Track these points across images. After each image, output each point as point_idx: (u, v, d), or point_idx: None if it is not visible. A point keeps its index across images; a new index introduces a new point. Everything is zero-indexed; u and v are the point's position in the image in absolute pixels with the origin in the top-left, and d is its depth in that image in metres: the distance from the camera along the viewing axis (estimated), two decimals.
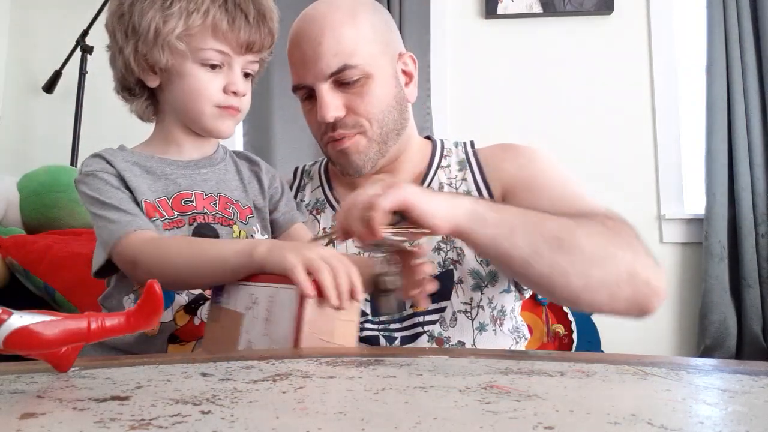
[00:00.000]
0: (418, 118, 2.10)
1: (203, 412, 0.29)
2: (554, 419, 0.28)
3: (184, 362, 0.44)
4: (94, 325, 0.39)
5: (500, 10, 2.22)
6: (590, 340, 1.91)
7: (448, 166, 0.97)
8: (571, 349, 1.89)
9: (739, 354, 1.97)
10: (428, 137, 1.02)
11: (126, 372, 0.40)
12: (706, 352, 1.97)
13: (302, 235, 0.91)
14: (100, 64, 1.90)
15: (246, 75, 0.85)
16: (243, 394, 0.33)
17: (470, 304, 0.89)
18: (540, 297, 1.92)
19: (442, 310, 0.89)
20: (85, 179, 0.80)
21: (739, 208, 2.02)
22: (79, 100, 2.03)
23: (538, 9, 2.21)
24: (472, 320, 0.90)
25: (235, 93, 0.82)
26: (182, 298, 0.82)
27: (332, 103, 0.88)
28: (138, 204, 0.79)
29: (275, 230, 0.91)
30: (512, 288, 0.93)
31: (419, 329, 0.89)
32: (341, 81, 0.88)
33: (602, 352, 1.92)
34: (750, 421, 0.29)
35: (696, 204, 2.12)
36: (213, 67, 0.81)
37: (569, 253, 0.73)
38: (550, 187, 0.90)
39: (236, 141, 2.21)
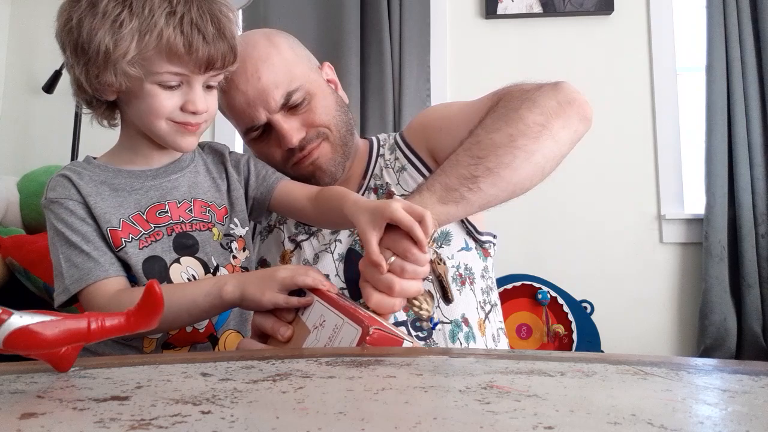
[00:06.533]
0: None
1: (203, 412, 0.29)
2: (554, 419, 0.28)
3: (184, 362, 0.44)
4: (94, 325, 0.39)
5: (500, 10, 2.22)
6: (590, 340, 1.91)
7: (383, 154, 1.04)
8: (571, 349, 1.89)
9: (739, 354, 1.97)
10: (363, 137, 1.10)
11: (126, 372, 0.40)
12: (706, 352, 1.97)
13: (291, 189, 0.90)
14: None
15: (210, 87, 0.81)
16: (243, 394, 0.33)
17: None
18: (540, 297, 1.93)
19: None
20: (51, 206, 0.79)
21: (739, 208, 2.02)
22: None
23: (538, 9, 2.21)
24: (433, 283, 0.91)
25: (193, 112, 0.78)
26: None
27: (293, 128, 0.93)
28: (103, 234, 0.78)
29: (262, 203, 0.90)
30: (471, 245, 0.96)
31: None
32: (290, 106, 0.92)
33: (602, 352, 1.92)
34: (750, 421, 0.29)
35: (696, 204, 2.12)
36: (171, 87, 0.77)
37: (493, 155, 0.77)
38: (455, 121, 0.94)
39: (237, 141, 2.21)
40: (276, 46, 0.94)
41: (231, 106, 0.94)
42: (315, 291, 0.70)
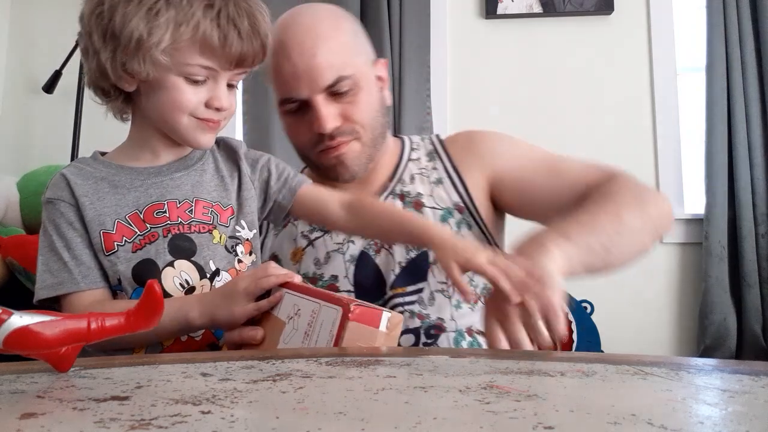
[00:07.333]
0: (418, 118, 2.12)
1: (203, 412, 0.29)
2: (554, 419, 0.28)
3: (184, 362, 0.44)
4: (94, 325, 0.39)
5: (500, 10, 2.22)
6: (590, 340, 1.91)
7: (418, 159, 1.01)
8: (571, 349, 1.89)
9: (739, 354, 1.97)
10: (396, 136, 1.07)
11: (126, 372, 0.40)
12: (706, 352, 1.97)
13: (318, 193, 0.86)
14: None
15: (231, 85, 0.80)
16: (243, 394, 0.33)
17: (446, 283, 0.91)
18: None
19: (420, 290, 0.91)
20: (46, 204, 0.79)
21: (739, 208, 2.02)
22: (79, 100, 2.03)
23: (538, 9, 2.21)
24: (449, 298, 0.91)
25: (218, 109, 0.78)
26: None
27: (330, 114, 0.90)
28: (91, 240, 0.77)
29: (283, 207, 0.87)
30: None
31: (400, 308, 0.90)
32: (335, 92, 0.90)
33: (602, 352, 1.92)
34: (750, 421, 0.29)
35: (696, 204, 2.12)
36: (197, 81, 0.76)
37: (623, 236, 0.82)
38: (536, 165, 0.97)
39: (237, 136, 2.21)
40: (339, 28, 0.92)
41: (276, 72, 0.91)
42: (282, 284, 0.71)
